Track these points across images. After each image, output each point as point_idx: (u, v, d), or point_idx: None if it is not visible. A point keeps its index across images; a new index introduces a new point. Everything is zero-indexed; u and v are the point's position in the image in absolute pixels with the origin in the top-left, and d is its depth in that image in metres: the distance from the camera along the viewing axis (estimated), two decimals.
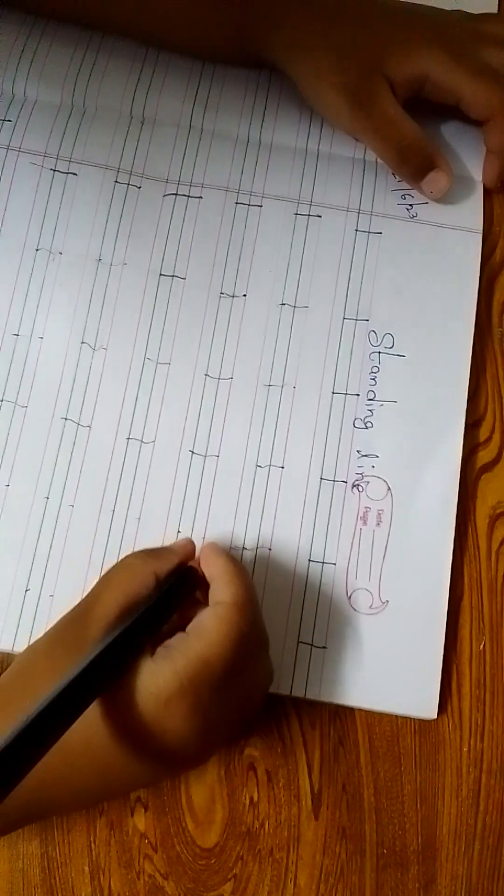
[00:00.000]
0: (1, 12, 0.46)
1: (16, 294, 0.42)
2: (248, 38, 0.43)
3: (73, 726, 0.27)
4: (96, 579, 0.39)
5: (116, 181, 0.44)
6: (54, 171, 0.44)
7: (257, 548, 0.40)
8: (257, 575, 0.40)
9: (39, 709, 0.25)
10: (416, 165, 0.43)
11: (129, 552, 0.35)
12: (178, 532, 0.40)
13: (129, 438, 0.41)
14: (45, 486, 0.40)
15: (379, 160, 0.45)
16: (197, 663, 0.30)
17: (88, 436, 0.41)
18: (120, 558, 0.35)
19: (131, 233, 0.43)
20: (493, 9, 0.49)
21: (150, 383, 0.42)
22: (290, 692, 0.39)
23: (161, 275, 0.43)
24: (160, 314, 0.43)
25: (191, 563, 0.35)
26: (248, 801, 0.38)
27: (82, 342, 0.42)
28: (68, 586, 0.39)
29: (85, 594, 0.34)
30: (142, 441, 0.41)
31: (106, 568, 0.39)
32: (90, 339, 0.42)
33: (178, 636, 0.32)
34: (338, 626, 0.40)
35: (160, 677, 0.30)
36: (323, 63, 0.42)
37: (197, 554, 0.36)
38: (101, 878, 0.37)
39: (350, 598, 0.40)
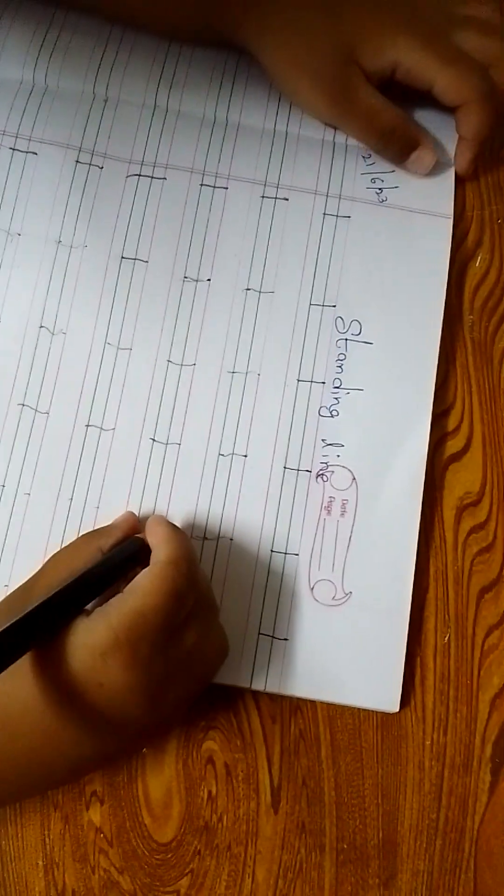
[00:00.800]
0: None
1: None
2: (218, 19, 0.42)
3: (11, 692, 0.28)
4: None
5: (78, 161, 0.43)
6: (13, 149, 0.43)
7: (219, 538, 0.39)
8: (218, 565, 0.39)
9: None
10: (399, 147, 0.42)
11: None
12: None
13: (87, 425, 0.40)
14: (1, 473, 0.39)
15: (349, 142, 0.44)
16: (131, 616, 0.30)
17: (46, 422, 0.40)
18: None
19: (92, 214, 0.42)
20: None
21: (110, 369, 0.41)
22: (251, 685, 0.38)
23: (123, 258, 0.42)
24: (121, 298, 0.41)
25: (138, 535, 0.36)
26: (206, 795, 0.38)
27: (41, 326, 0.41)
28: (24, 576, 0.38)
29: None
30: (101, 428, 0.40)
31: None
32: (49, 323, 0.41)
33: (116, 596, 0.31)
34: (300, 618, 0.39)
35: (94, 632, 0.29)
36: (295, 52, 0.41)
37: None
38: (56, 872, 0.37)
39: (313, 589, 0.39)
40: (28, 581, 0.35)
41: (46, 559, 0.37)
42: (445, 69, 0.41)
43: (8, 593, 0.36)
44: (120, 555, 0.34)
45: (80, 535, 0.36)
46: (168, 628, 0.31)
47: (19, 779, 0.33)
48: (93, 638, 0.29)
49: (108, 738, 0.32)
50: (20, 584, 0.36)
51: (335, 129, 0.44)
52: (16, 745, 0.31)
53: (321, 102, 0.43)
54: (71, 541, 0.35)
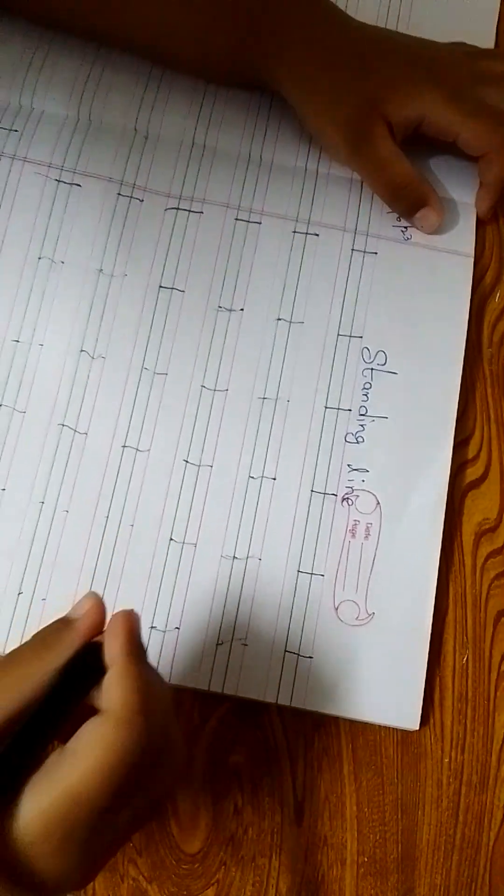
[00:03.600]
0: (10, 24, 0.47)
1: (17, 301, 0.43)
2: (253, 66, 0.45)
3: None
4: (88, 585, 0.40)
5: (119, 194, 0.45)
6: (59, 181, 0.45)
7: (247, 557, 0.41)
8: (247, 584, 0.41)
9: None
10: (408, 203, 0.44)
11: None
12: (171, 540, 0.41)
13: (124, 446, 0.42)
14: (41, 490, 0.41)
15: None
16: (65, 802, 0.25)
17: (85, 442, 0.42)
18: (7, 651, 0.30)
19: (132, 245, 0.44)
20: (490, 43, 0.51)
21: (146, 393, 0.43)
22: (276, 700, 0.39)
23: (160, 287, 0.44)
24: (158, 325, 0.43)
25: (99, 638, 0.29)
26: (232, 808, 0.39)
27: (81, 350, 0.43)
28: (60, 590, 0.39)
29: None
30: (137, 449, 0.42)
31: (98, 574, 0.40)
32: (89, 347, 0.43)
33: (53, 756, 0.26)
34: (324, 637, 0.40)
35: (22, 820, 0.25)
36: (323, 101, 0.44)
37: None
38: None
39: (337, 609, 0.41)
40: None
41: (81, 574, 0.38)
42: (469, 122, 0.43)
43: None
44: (74, 680, 0.28)
45: (23, 644, 0.29)
46: (112, 801, 0.26)
47: None
48: (19, 826, 0.25)
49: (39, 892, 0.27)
50: (57, 600, 0.36)
51: None
52: None
53: (343, 150, 0.45)
54: (112, 563, 0.32)
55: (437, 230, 0.45)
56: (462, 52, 0.46)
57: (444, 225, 0.46)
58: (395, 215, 0.46)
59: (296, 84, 0.44)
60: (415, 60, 0.44)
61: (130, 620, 0.29)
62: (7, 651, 0.38)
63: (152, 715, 0.27)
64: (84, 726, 0.26)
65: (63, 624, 0.29)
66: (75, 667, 0.28)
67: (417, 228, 0.45)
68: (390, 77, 0.43)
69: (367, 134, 0.43)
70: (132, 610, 0.29)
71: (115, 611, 0.29)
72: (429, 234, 0.45)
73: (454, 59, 0.45)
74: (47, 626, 0.29)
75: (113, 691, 0.27)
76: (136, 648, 0.28)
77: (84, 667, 0.28)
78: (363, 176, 0.45)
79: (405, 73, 0.44)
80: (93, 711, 0.27)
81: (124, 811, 0.27)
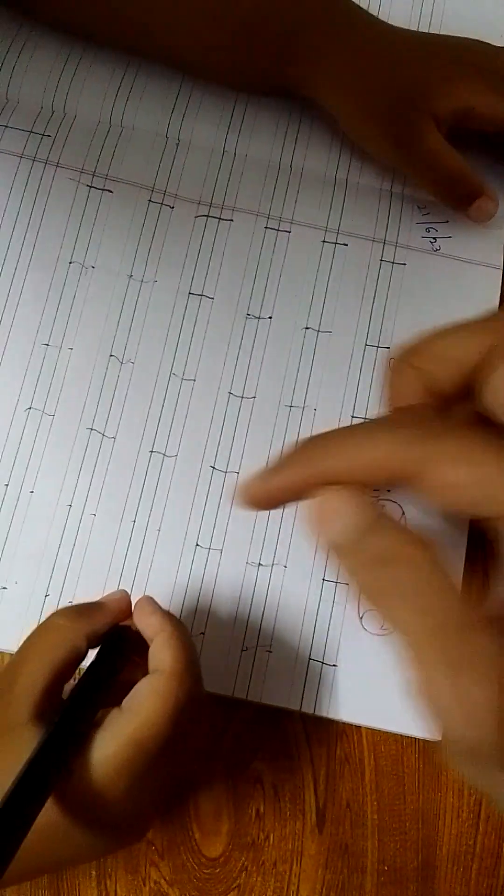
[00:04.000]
0: (45, 31, 0.48)
1: (47, 305, 0.43)
2: (287, 75, 0.45)
3: None
4: (115, 586, 0.40)
5: (150, 200, 0.45)
6: (90, 187, 0.45)
7: (273, 564, 0.41)
8: (272, 590, 0.41)
9: None
10: (462, 195, 0.44)
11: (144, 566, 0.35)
12: (197, 546, 0.41)
13: (151, 451, 0.42)
14: (69, 494, 0.41)
15: (406, 192, 0.46)
16: (128, 746, 0.29)
17: (113, 447, 0.42)
18: (45, 617, 0.33)
19: (163, 251, 0.44)
20: None
21: (174, 398, 0.43)
22: (300, 708, 0.40)
23: (190, 294, 0.44)
24: (187, 332, 0.44)
25: (126, 622, 0.34)
26: (253, 814, 0.39)
27: (110, 355, 0.43)
28: (87, 593, 0.40)
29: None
30: (164, 454, 0.42)
31: (125, 577, 0.40)
32: (118, 352, 0.43)
33: (113, 713, 0.30)
34: (349, 646, 0.40)
35: (92, 769, 0.29)
36: (365, 101, 0.43)
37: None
38: (108, 883, 0.38)
39: (362, 618, 0.41)
40: (5, 676, 0.32)
41: (108, 577, 0.38)
42: None
43: None
44: (110, 654, 0.32)
45: (58, 611, 0.33)
46: (165, 745, 0.30)
47: (35, 871, 0.33)
48: (90, 774, 0.29)
49: (110, 841, 0.31)
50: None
51: (393, 179, 0.47)
52: (36, 852, 0.29)
53: (388, 145, 0.44)
54: (139, 566, 0.34)
55: (470, 232, 0.45)
56: (493, 47, 0.46)
57: (473, 235, 0.46)
58: (425, 226, 0.46)
59: (334, 88, 0.44)
60: (452, 52, 0.44)
61: (156, 601, 0.34)
62: None
63: (195, 672, 0.31)
64: (137, 686, 0.30)
65: (94, 603, 0.34)
66: (111, 643, 0.32)
67: (472, 219, 0.45)
68: (431, 70, 0.43)
69: (413, 128, 0.43)
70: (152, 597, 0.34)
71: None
72: (485, 223, 0.45)
73: (489, 49, 0.45)
74: (81, 603, 0.33)
75: (163, 653, 0.31)
76: (174, 618, 0.32)
77: (118, 644, 0.32)
78: (412, 172, 0.45)
79: (445, 65, 0.43)
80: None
81: (172, 755, 0.30)
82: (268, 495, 0.26)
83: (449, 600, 0.22)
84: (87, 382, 0.43)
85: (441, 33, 0.47)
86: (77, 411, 0.42)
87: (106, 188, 0.45)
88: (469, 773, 0.21)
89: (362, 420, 0.43)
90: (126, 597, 0.34)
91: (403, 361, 0.29)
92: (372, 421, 0.25)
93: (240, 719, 0.40)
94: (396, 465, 0.23)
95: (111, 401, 0.42)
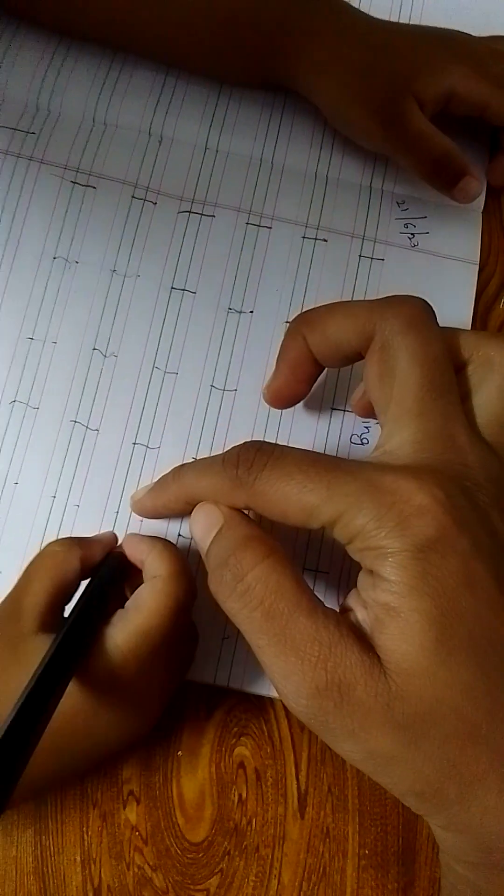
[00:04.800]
0: (28, 29, 0.48)
1: (32, 299, 0.44)
2: (274, 64, 0.45)
3: None
4: None
5: (133, 196, 0.46)
6: (74, 183, 0.45)
7: None
8: None
9: (13, 716, 0.26)
10: (449, 175, 0.44)
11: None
12: (179, 535, 0.41)
13: (135, 443, 0.43)
14: (53, 485, 0.42)
15: (385, 188, 0.47)
16: (137, 636, 0.32)
17: (96, 439, 0.42)
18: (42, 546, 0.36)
19: (146, 246, 0.45)
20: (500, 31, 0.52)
21: (157, 391, 0.43)
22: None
23: (172, 288, 0.45)
24: (170, 325, 0.44)
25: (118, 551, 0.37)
26: (236, 799, 0.40)
27: (94, 349, 0.44)
28: None
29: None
30: (147, 446, 0.43)
31: None
32: (101, 345, 0.44)
33: (118, 613, 0.33)
34: None
35: (104, 656, 0.32)
36: (351, 85, 0.44)
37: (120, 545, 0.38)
38: (92, 867, 0.38)
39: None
40: (10, 600, 0.35)
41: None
42: (497, 92, 0.45)
43: None
44: (108, 577, 0.35)
45: (55, 540, 0.36)
46: (168, 638, 0.33)
47: (60, 763, 0.35)
48: (104, 660, 0.32)
49: (126, 726, 0.35)
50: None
51: (373, 175, 0.48)
52: (55, 744, 0.32)
53: (376, 130, 0.45)
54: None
55: (448, 227, 0.47)
56: (475, 37, 0.47)
57: (450, 231, 0.47)
58: (403, 222, 0.47)
59: (319, 75, 0.45)
60: (435, 39, 0.45)
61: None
62: None
63: (189, 575, 0.34)
64: (139, 589, 0.34)
65: (86, 537, 0.37)
66: (106, 566, 0.35)
67: (458, 200, 0.45)
68: (416, 56, 0.44)
69: (399, 111, 0.44)
70: None
71: None
72: (469, 203, 0.46)
73: (470, 38, 0.46)
74: (70, 537, 0.37)
75: (160, 561, 0.34)
76: (163, 539, 0.36)
77: (114, 565, 0.36)
78: (400, 154, 0.45)
79: (430, 52, 0.44)
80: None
81: (174, 650, 0.35)
82: (153, 509, 0.35)
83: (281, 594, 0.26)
84: (71, 375, 0.43)
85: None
86: (61, 404, 0.43)
87: (90, 184, 0.46)
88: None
89: (342, 412, 0.44)
90: (114, 535, 0.38)
91: (296, 329, 0.35)
92: (213, 458, 0.31)
93: (223, 707, 0.41)
94: (222, 497, 0.30)
95: (95, 393, 0.43)
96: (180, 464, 0.33)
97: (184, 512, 0.32)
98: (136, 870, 0.38)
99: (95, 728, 0.33)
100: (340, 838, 0.40)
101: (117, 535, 0.38)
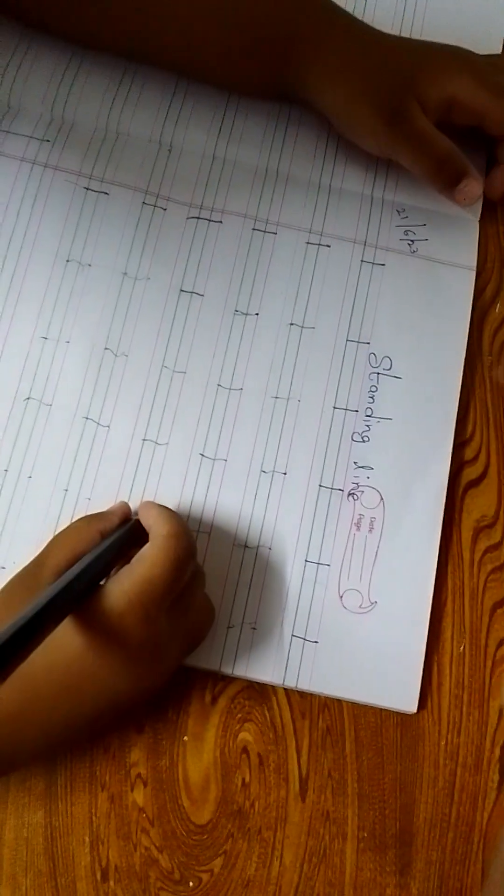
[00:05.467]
0: (44, 41, 0.50)
1: (46, 300, 0.45)
2: (284, 73, 0.47)
3: (54, 645, 0.33)
4: None
5: (144, 202, 0.47)
6: (87, 189, 0.47)
7: (258, 546, 0.43)
8: (257, 571, 0.43)
9: (22, 622, 0.29)
10: (450, 175, 0.46)
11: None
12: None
13: (144, 440, 0.44)
14: (65, 479, 0.43)
15: (386, 196, 0.49)
16: (141, 583, 0.35)
17: (107, 435, 0.44)
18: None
19: (156, 250, 0.47)
20: (497, 50, 0.54)
21: (166, 390, 0.45)
22: (283, 682, 0.42)
23: (181, 291, 0.46)
24: (178, 326, 0.46)
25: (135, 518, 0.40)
26: (240, 782, 0.41)
27: (105, 348, 0.45)
28: None
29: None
30: (156, 443, 0.44)
31: None
32: (113, 345, 0.45)
33: (125, 567, 0.36)
34: (329, 623, 0.43)
35: (111, 597, 0.35)
36: (358, 87, 0.46)
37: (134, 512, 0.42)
38: (101, 848, 0.40)
39: (342, 597, 0.43)
40: (32, 563, 0.39)
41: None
42: (496, 101, 0.46)
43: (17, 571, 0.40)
44: (122, 537, 0.38)
45: (79, 517, 0.40)
46: (172, 592, 0.36)
47: (68, 719, 0.36)
48: (110, 602, 0.34)
49: (132, 675, 0.37)
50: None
51: (374, 184, 0.49)
52: (63, 688, 0.35)
53: (380, 130, 0.46)
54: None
55: (447, 234, 0.48)
56: (475, 52, 0.49)
57: (449, 237, 0.48)
58: (403, 229, 0.49)
59: (327, 82, 0.47)
60: (440, 51, 0.47)
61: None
62: None
63: (190, 540, 0.37)
64: (144, 547, 0.37)
65: (103, 511, 0.41)
66: (123, 529, 0.39)
67: (458, 201, 0.47)
68: (421, 62, 0.46)
69: (404, 113, 0.45)
70: None
71: None
72: (470, 205, 0.47)
73: (472, 52, 0.48)
74: (92, 513, 0.41)
75: (161, 523, 0.37)
76: (171, 510, 0.39)
77: (126, 530, 0.39)
78: (403, 154, 0.47)
79: (434, 60, 0.46)
80: None
81: (180, 609, 0.37)
82: None
83: None
84: (83, 374, 0.45)
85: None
86: (74, 401, 0.44)
87: (102, 191, 0.47)
88: None
89: (343, 410, 0.45)
90: (126, 504, 0.42)
91: None
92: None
93: (227, 693, 0.42)
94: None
95: (106, 391, 0.45)
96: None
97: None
98: (142, 850, 0.40)
99: (103, 671, 0.35)
100: (340, 821, 0.41)
101: (128, 504, 0.42)
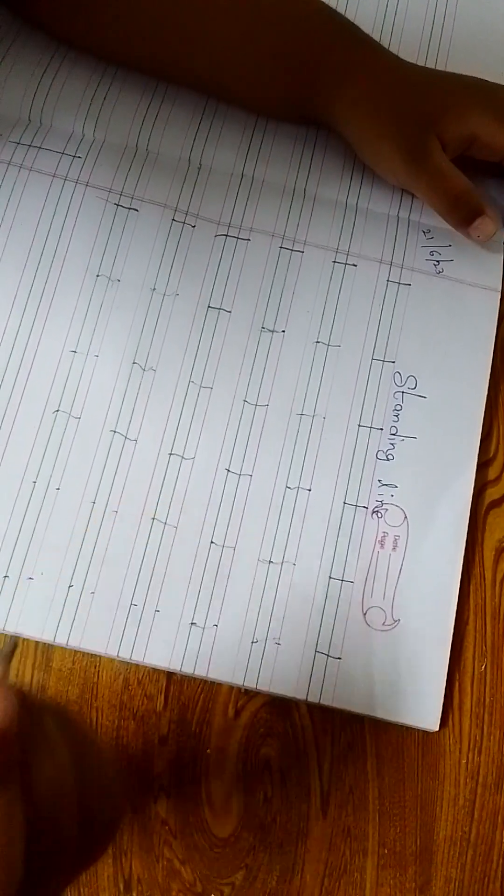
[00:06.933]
0: (76, 58, 0.51)
1: (76, 314, 0.46)
2: (311, 99, 0.48)
3: None
4: (135, 581, 0.42)
5: (174, 219, 0.48)
6: (118, 205, 0.48)
7: (283, 562, 0.44)
8: (282, 587, 0.43)
9: None
10: (465, 213, 0.47)
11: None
12: (211, 543, 0.43)
13: (170, 454, 0.45)
14: (93, 491, 0.44)
15: (412, 217, 0.50)
16: None
17: (134, 449, 0.45)
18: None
19: (184, 267, 0.47)
20: None
21: (193, 405, 0.46)
22: (307, 698, 0.42)
23: (209, 307, 0.47)
24: (206, 342, 0.46)
25: None
26: (262, 797, 0.41)
27: (133, 362, 0.46)
28: (108, 584, 0.42)
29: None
30: (182, 457, 0.45)
31: (143, 571, 0.43)
32: (141, 360, 0.46)
33: None
34: (353, 640, 0.43)
35: None
36: (382, 122, 0.47)
37: None
38: (124, 860, 0.40)
39: (365, 614, 0.43)
40: None
41: (128, 570, 0.41)
42: None
43: None
44: None
45: None
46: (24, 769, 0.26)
47: None
48: None
49: None
50: (104, 593, 0.39)
51: (400, 205, 0.50)
52: None
53: (399, 164, 0.47)
54: (157, 560, 0.37)
55: (472, 255, 0.49)
56: (496, 84, 0.49)
57: (473, 259, 0.49)
58: (429, 250, 0.49)
59: (351, 111, 0.47)
60: (460, 85, 0.48)
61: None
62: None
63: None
64: None
65: None
66: None
67: (473, 238, 0.48)
68: (443, 98, 0.47)
69: (423, 150, 0.46)
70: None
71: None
72: (484, 242, 0.48)
73: (493, 85, 0.48)
74: None
75: None
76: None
77: None
78: (420, 190, 0.48)
79: (457, 96, 0.47)
80: None
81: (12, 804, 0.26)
82: None
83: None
84: (111, 388, 0.45)
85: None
86: (101, 414, 0.45)
87: (132, 207, 0.48)
88: None
89: (368, 428, 0.46)
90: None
91: None
92: None
93: (250, 708, 0.42)
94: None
95: (133, 405, 0.45)
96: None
97: None
98: (165, 862, 0.40)
99: None
100: (361, 837, 0.41)
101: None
